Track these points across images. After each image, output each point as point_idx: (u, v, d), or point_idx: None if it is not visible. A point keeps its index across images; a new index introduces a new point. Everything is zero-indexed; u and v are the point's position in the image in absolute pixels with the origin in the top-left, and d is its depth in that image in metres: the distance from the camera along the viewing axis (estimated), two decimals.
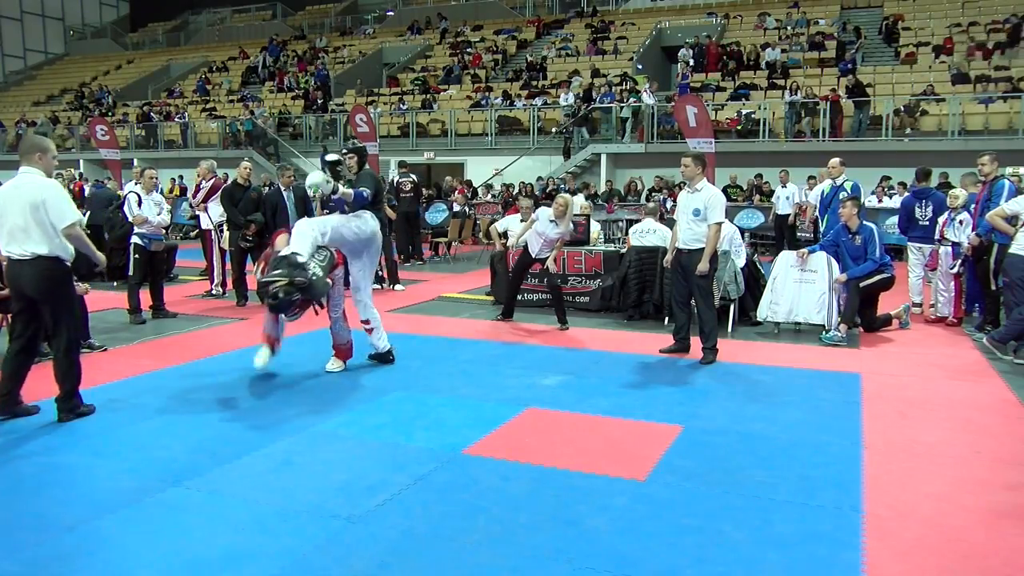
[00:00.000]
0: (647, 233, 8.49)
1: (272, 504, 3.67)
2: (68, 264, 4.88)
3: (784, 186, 14.38)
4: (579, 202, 13.17)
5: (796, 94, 17.90)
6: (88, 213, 11.58)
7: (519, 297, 9.22)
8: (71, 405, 4.89)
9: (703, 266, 6.43)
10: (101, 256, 5.12)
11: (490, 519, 3.51)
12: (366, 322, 6.22)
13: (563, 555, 3.18)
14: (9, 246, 4.78)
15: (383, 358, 6.37)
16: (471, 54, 26.14)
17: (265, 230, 8.92)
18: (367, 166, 6.48)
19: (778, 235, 14.40)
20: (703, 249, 6.45)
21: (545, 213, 7.87)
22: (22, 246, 4.73)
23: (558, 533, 3.37)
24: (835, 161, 8.35)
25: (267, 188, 10.82)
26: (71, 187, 17.65)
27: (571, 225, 8.19)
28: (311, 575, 3.04)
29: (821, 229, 8.53)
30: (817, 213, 9.35)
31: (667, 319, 8.20)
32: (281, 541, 3.30)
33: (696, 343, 6.69)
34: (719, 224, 6.50)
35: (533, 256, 8.00)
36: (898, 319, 7.88)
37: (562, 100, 20.41)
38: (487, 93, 22.52)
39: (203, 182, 10.22)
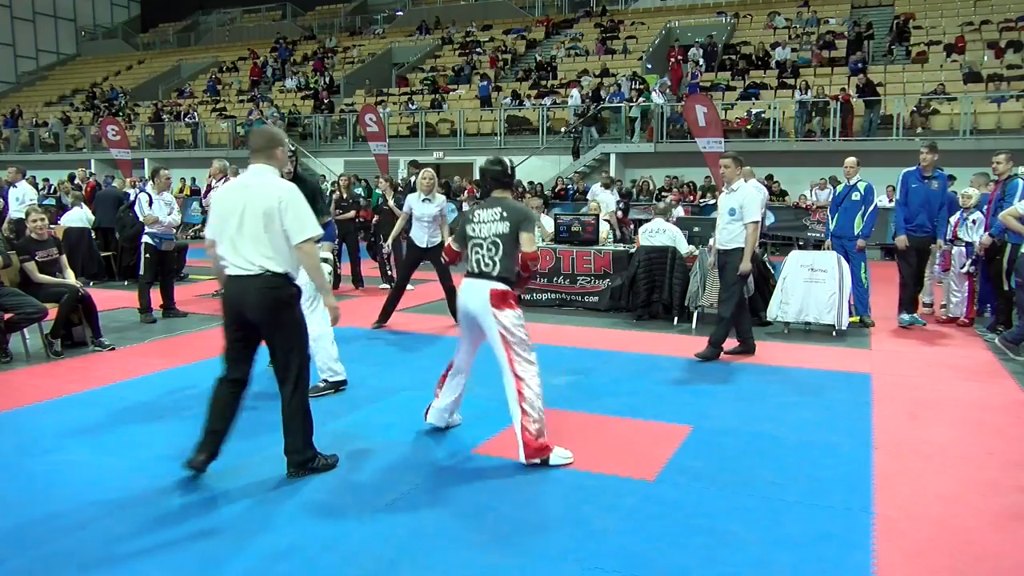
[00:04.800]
0: (656, 233, 8.46)
1: (281, 502, 3.69)
2: None
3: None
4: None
5: (806, 93, 17.83)
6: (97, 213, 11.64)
7: (527, 297, 9.21)
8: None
9: (745, 266, 6.38)
10: None
11: (499, 519, 3.52)
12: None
13: (572, 555, 3.18)
14: None
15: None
16: (480, 55, 26.16)
17: None
18: None
19: None
20: (741, 249, 6.38)
21: (415, 197, 7.59)
22: None
23: (567, 533, 3.37)
24: (851, 160, 8.29)
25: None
26: (83, 187, 17.72)
27: (443, 197, 7.76)
28: (321, 573, 3.05)
29: (831, 228, 8.47)
30: (829, 212, 9.29)
31: (676, 319, 8.19)
32: (291, 539, 3.31)
33: (760, 346, 6.80)
34: (755, 222, 6.37)
35: (424, 247, 7.62)
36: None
37: (572, 100, 20.37)
38: (496, 92, 22.54)
39: (215, 182, 10.30)
